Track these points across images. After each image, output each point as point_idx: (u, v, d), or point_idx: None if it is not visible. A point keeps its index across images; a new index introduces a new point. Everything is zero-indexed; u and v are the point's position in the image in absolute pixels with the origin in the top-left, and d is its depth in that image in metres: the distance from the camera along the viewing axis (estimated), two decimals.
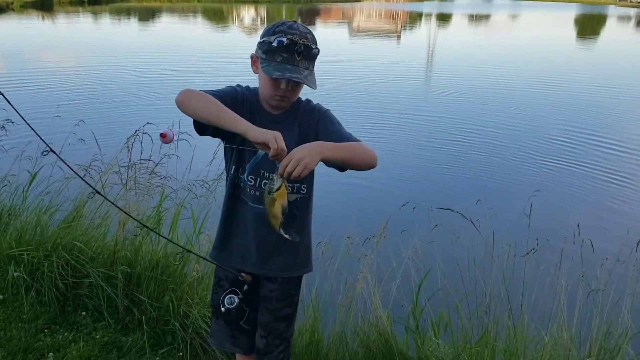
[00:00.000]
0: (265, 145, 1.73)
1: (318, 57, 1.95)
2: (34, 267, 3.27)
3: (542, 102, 12.38)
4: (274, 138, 1.72)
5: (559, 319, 2.87)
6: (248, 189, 2.06)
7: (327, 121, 2.04)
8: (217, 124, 1.79)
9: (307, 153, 1.73)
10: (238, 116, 1.79)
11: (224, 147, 2.12)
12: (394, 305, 3.04)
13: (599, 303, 2.91)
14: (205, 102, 1.81)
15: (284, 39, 1.84)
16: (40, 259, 3.27)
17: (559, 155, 8.30)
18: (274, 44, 1.85)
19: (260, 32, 1.98)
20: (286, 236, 1.90)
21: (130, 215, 2.09)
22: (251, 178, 2.04)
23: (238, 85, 2.03)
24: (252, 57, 1.99)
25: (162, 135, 1.61)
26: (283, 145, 1.72)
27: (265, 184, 2.00)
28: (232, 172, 2.08)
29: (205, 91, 1.87)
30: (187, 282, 3.19)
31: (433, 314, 2.99)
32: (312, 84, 1.88)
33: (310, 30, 1.92)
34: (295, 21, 1.92)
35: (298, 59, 1.86)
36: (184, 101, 1.82)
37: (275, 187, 1.79)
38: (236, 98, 1.96)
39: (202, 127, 1.88)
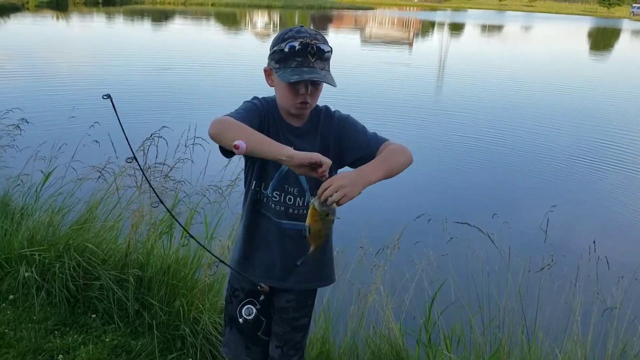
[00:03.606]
0: (311, 166, 1.69)
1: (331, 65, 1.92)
2: (45, 267, 3.27)
3: (558, 114, 12.32)
4: (320, 156, 1.69)
5: (573, 336, 2.84)
6: (272, 205, 2.03)
7: (351, 128, 2.01)
8: (256, 153, 1.75)
9: (349, 182, 1.69)
10: (276, 142, 1.75)
11: (245, 163, 2.08)
12: (406, 317, 3.01)
13: (615, 322, 2.88)
14: (242, 132, 1.74)
15: (295, 44, 1.82)
16: (51, 259, 3.27)
17: (576, 169, 8.24)
18: (286, 50, 1.82)
19: (272, 38, 1.96)
20: (304, 256, 1.88)
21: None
22: (276, 194, 2.01)
23: (255, 98, 1.99)
24: (265, 71, 1.96)
25: (236, 147, 1.62)
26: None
27: (290, 199, 2.01)
28: (252, 188, 2.05)
29: (230, 115, 1.83)
30: (198, 288, 3.17)
31: (446, 328, 2.95)
32: (332, 82, 1.86)
33: (319, 32, 1.90)
34: (302, 25, 1.90)
35: (313, 60, 1.83)
36: (221, 134, 1.76)
37: (310, 204, 1.78)
38: (260, 115, 1.92)
39: (230, 152, 1.82)
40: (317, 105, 2.02)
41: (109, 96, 1.70)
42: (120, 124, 1.77)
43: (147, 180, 2.19)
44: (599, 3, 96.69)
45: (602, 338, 2.87)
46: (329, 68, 1.90)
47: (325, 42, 1.88)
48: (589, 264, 3.01)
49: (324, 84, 1.90)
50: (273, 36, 1.95)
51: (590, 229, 6.08)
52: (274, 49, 1.89)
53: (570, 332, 2.85)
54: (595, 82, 18.75)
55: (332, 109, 2.06)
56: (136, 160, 1.85)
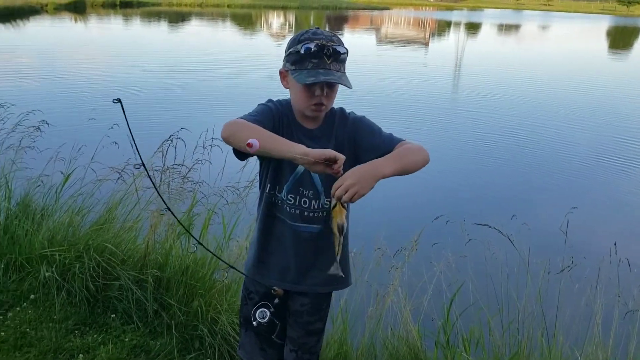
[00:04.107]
0: (326, 163, 1.69)
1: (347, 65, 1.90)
2: (66, 267, 3.30)
3: (579, 112, 12.20)
4: (334, 152, 1.68)
5: (594, 339, 2.81)
6: (287, 208, 2.02)
7: (366, 130, 1.99)
8: (271, 153, 1.74)
9: (358, 179, 1.68)
10: (289, 141, 1.74)
11: (260, 165, 2.08)
12: (424, 319, 3.00)
13: (636, 324, 2.85)
14: (255, 133, 1.73)
15: (311, 45, 1.81)
16: (71, 259, 3.30)
17: (597, 168, 8.15)
18: (302, 52, 1.81)
19: (288, 39, 1.94)
20: (337, 258, 1.87)
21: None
22: (291, 197, 2.00)
23: (269, 101, 1.98)
24: (280, 73, 1.95)
25: (249, 145, 1.61)
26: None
27: (305, 202, 1.99)
28: (267, 191, 2.04)
29: (243, 117, 1.83)
30: (216, 288, 3.19)
31: (464, 330, 2.93)
32: (348, 84, 1.84)
33: (335, 34, 1.89)
34: (318, 27, 1.89)
35: (328, 62, 1.82)
36: (234, 135, 1.75)
37: (331, 206, 1.78)
38: (274, 118, 1.91)
39: (244, 154, 1.83)
40: (332, 107, 2.00)
41: (119, 100, 1.70)
42: (129, 128, 1.75)
43: (155, 187, 2.20)
44: (618, 2, 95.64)
45: (623, 341, 2.84)
46: (344, 70, 1.89)
47: (341, 43, 1.87)
48: (610, 266, 2.98)
49: (340, 85, 1.88)
50: (289, 37, 1.94)
51: (612, 231, 5.99)
52: (289, 50, 1.88)
53: (591, 335, 2.82)
54: (617, 80, 18.54)
55: (347, 110, 2.05)
56: (144, 167, 1.85)
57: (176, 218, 2.34)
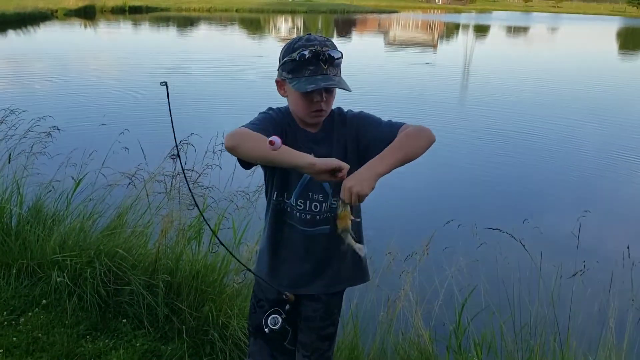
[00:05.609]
0: (332, 172, 1.70)
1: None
2: (77, 272, 3.31)
3: (590, 115, 12.09)
4: (339, 161, 1.70)
5: (607, 343, 2.79)
6: (297, 214, 2.01)
7: (365, 122, 1.99)
8: (277, 162, 1.76)
9: (355, 182, 1.70)
10: (295, 151, 1.75)
11: (264, 174, 2.07)
12: (436, 323, 2.99)
13: None
14: (260, 143, 1.71)
15: (306, 52, 1.81)
16: (83, 265, 3.31)
17: (609, 171, 8.08)
18: (298, 59, 1.82)
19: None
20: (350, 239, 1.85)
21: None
22: (300, 202, 2.00)
23: (270, 109, 1.98)
24: (277, 82, 1.96)
25: (271, 143, 1.63)
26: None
27: (315, 206, 2.00)
28: (274, 198, 2.04)
29: (246, 126, 1.82)
30: (226, 293, 3.19)
31: (476, 334, 2.92)
32: (347, 87, 1.84)
33: (328, 38, 1.89)
34: (310, 33, 1.90)
35: (325, 67, 1.83)
36: (239, 146, 1.75)
37: (339, 212, 1.79)
38: (277, 126, 1.91)
39: (249, 163, 1.84)
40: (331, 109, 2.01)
41: (165, 84, 1.76)
42: (171, 116, 1.81)
43: (186, 180, 2.26)
44: (628, 3, 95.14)
45: (637, 345, 2.82)
46: (340, 74, 1.90)
47: (335, 48, 1.87)
48: (623, 269, 2.96)
49: (337, 90, 1.89)
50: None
51: (624, 234, 5.94)
52: (284, 59, 1.88)
53: (604, 340, 2.80)
54: (629, 81, 18.42)
55: (345, 109, 2.05)
56: (179, 157, 1.90)
57: (202, 216, 2.35)
